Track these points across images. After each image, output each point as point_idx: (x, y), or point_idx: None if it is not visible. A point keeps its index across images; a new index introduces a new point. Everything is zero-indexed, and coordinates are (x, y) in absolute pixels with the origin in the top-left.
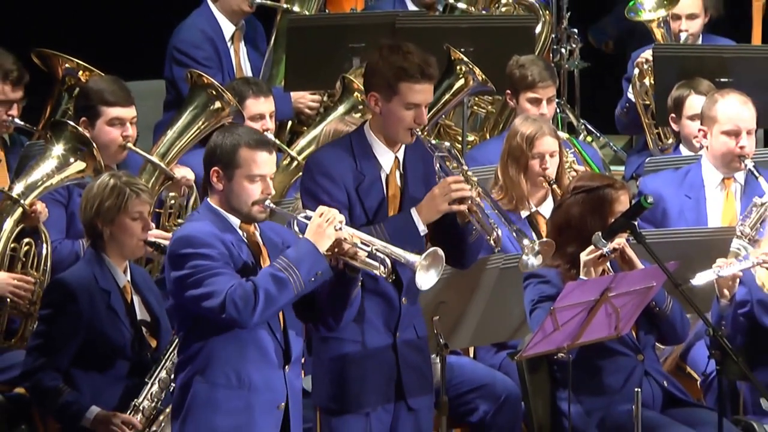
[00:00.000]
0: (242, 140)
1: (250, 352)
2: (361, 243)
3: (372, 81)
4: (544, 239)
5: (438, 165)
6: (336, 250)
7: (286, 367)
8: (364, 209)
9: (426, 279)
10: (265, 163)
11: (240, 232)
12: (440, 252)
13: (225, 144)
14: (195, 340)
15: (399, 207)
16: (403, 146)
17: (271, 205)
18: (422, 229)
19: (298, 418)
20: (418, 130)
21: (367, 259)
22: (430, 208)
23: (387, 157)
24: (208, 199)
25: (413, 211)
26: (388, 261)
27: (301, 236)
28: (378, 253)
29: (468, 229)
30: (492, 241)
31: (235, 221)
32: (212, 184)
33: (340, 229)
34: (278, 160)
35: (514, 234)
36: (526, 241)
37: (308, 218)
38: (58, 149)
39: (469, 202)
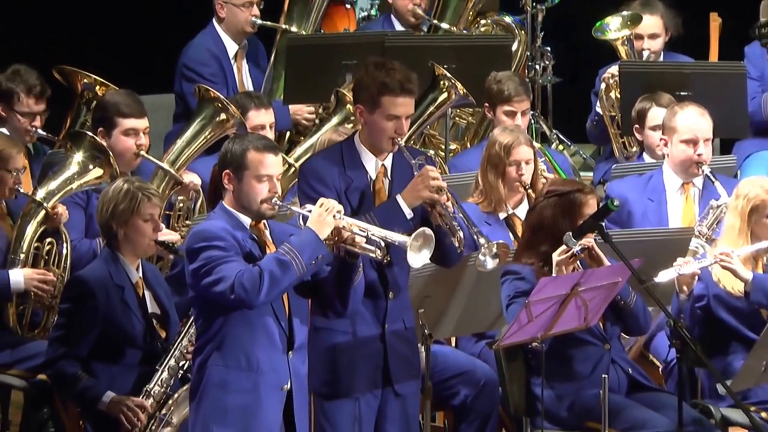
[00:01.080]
0: (251, 145)
1: (259, 337)
2: (358, 230)
3: (358, 94)
4: (501, 241)
5: (417, 171)
6: (336, 237)
7: (290, 352)
8: (353, 210)
9: (418, 258)
10: (271, 164)
11: (249, 230)
12: (429, 231)
13: (235, 149)
14: (211, 327)
15: None
16: (391, 155)
17: (279, 202)
18: (408, 212)
19: (301, 400)
20: (400, 139)
21: (365, 244)
22: (412, 194)
23: (373, 165)
24: (223, 201)
25: (398, 197)
26: (383, 245)
27: (305, 228)
28: (374, 238)
29: (443, 231)
30: (456, 242)
31: (246, 220)
32: (224, 185)
33: (339, 218)
34: None
35: (474, 236)
36: (482, 241)
37: (311, 212)
38: (78, 157)
39: (443, 199)
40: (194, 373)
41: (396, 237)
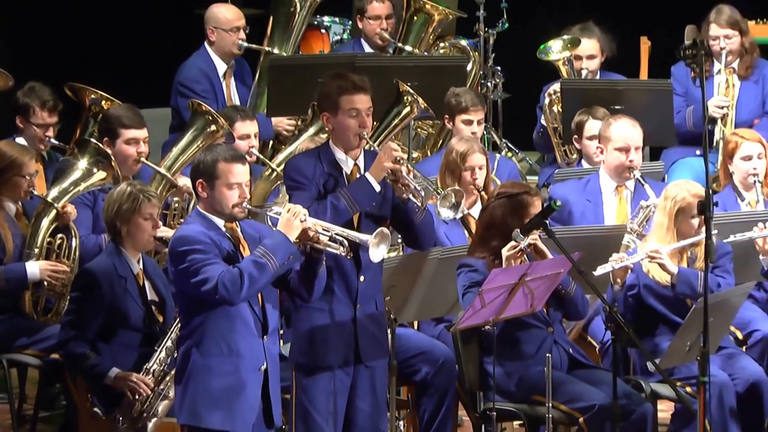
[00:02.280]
0: (220, 156)
1: (237, 325)
2: (322, 230)
3: (322, 104)
4: (456, 188)
5: None
6: (303, 237)
7: (265, 336)
8: (326, 191)
9: (377, 253)
10: (240, 172)
11: (223, 230)
12: (386, 231)
13: (206, 160)
14: (193, 319)
15: None
16: (362, 154)
17: (248, 206)
18: (376, 186)
19: (276, 377)
20: (365, 133)
21: (328, 242)
22: (377, 168)
23: (347, 163)
24: (198, 207)
25: (367, 174)
26: (346, 242)
27: (274, 228)
28: (337, 237)
29: (411, 209)
30: (419, 202)
31: (219, 222)
32: (198, 193)
33: (305, 220)
34: (261, 172)
35: (436, 195)
36: (442, 194)
37: (278, 214)
38: (85, 163)
39: (403, 170)
40: (179, 361)
41: (357, 236)
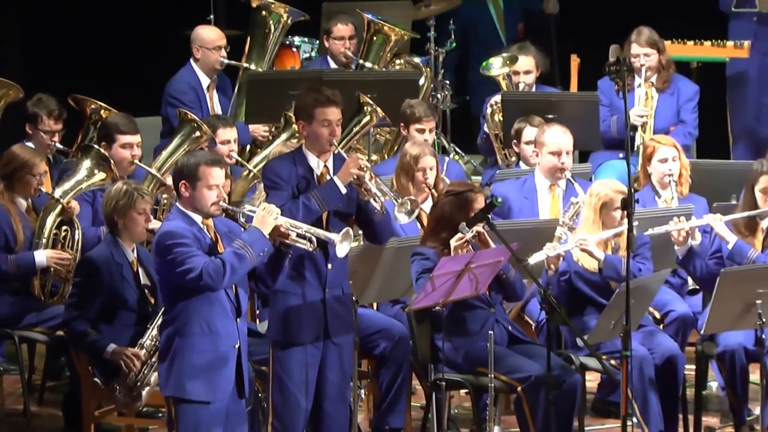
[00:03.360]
0: (202, 160)
1: (216, 309)
2: (292, 227)
3: (298, 114)
4: (412, 197)
5: None
6: (275, 233)
7: (238, 318)
8: (299, 192)
9: (342, 249)
10: (218, 175)
11: (201, 225)
12: (350, 231)
13: (189, 164)
14: (177, 305)
15: None
16: (331, 158)
17: (224, 204)
18: (342, 188)
19: (245, 354)
20: (335, 141)
21: (297, 238)
22: (344, 173)
23: (317, 165)
24: (177, 204)
25: (335, 177)
26: (313, 239)
27: (248, 225)
28: (306, 234)
29: (371, 210)
30: (378, 207)
31: (197, 218)
32: (180, 193)
33: (277, 218)
34: (240, 172)
35: (394, 200)
36: (400, 201)
37: (251, 211)
38: (86, 164)
39: (366, 177)
40: (163, 342)
41: (324, 234)
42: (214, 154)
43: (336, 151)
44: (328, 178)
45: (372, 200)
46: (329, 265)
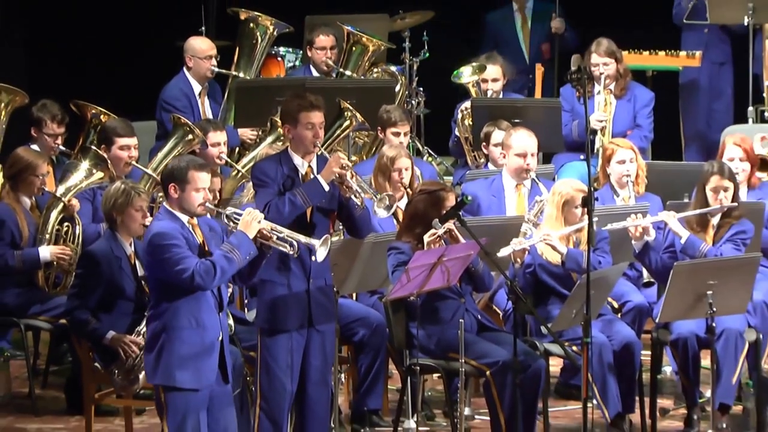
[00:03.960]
0: (190, 165)
1: (202, 304)
2: (275, 231)
3: (284, 118)
4: (390, 193)
5: None
6: (259, 236)
7: (220, 313)
8: (285, 189)
9: (321, 254)
10: (205, 179)
11: (188, 225)
12: (330, 238)
13: (179, 167)
14: (163, 301)
15: None
16: (315, 158)
17: (210, 205)
18: (325, 186)
19: (227, 344)
20: (318, 143)
21: (279, 242)
22: (327, 171)
23: (302, 166)
24: (165, 204)
25: (318, 176)
26: (295, 243)
27: (232, 225)
28: (287, 238)
29: (352, 206)
30: (359, 203)
31: (184, 218)
32: (169, 194)
33: (261, 222)
34: (229, 172)
35: (373, 197)
36: (379, 197)
37: (237, 214)
38: (85, 165)
39: (347, 175)
40: (150, 334)
41: (306, 240)
42: (202, 160)
43: (319, 152)
44: (311, 176)
45: (353, 197)
46: (313, 258)
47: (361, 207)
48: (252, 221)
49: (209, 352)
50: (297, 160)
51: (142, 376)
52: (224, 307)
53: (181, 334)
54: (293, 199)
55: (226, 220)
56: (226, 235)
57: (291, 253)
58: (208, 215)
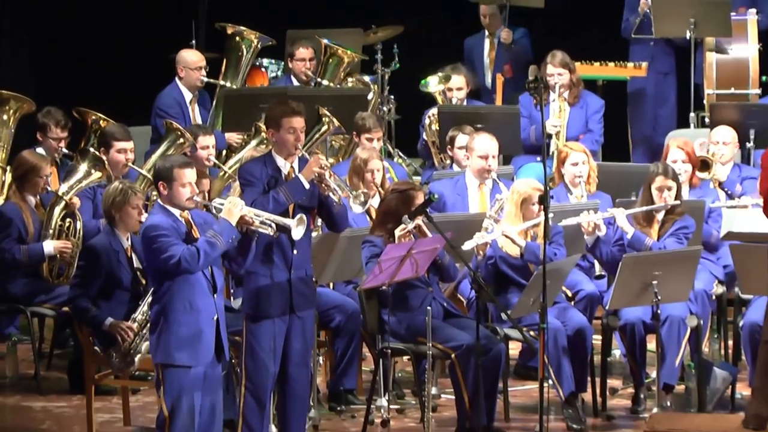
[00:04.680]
0: (175, 164)
1: (195, 288)
2: (255, 216)
3: (268, 123)
4: (364, 190)
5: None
6: (241, 221)
7: (215, 295)
8: (269, 188)
9: (297, 232)
10: (190, 175)
11: (179, 218)
12: (304, 217)
13: (165, 167)
14: (161, 287)
15: None
16: (296, 160)
17: (197, 198)
18: (306, 184)
19: (224, 325)
20: (299, 145)
21: (260, 225)
22: (307, 171)
23: (285, 167)
24: (159, 201)
25: (299, 175)
26: (273, 225)
27: (219, 216)
28: (267, 221)
29: (330, 202)
30: (337, 199)
31: (176, 212)
32: (160, 191)
33: (242, 209)
34: (217, 173)
35: (349, 193)
36: (354, 193)
37: (221, 204)
38: (84, 166)
39: (326, 175)
40: (153, 317)
41: (282, 220)
42: (185, 158)
43: (300, 154)
44: (292, 175)
45: (331, 194)
46: (295, 251)
47: (338, 203)
48: (233, 208)
49: (204, 332)
50: (280, 161)
51: (137, 358)
52: (218, 290)
53: (177, 316)
54: (276, 196)
55: (214, 211)
56: None
57: (271, 234)
58: (198, 208)
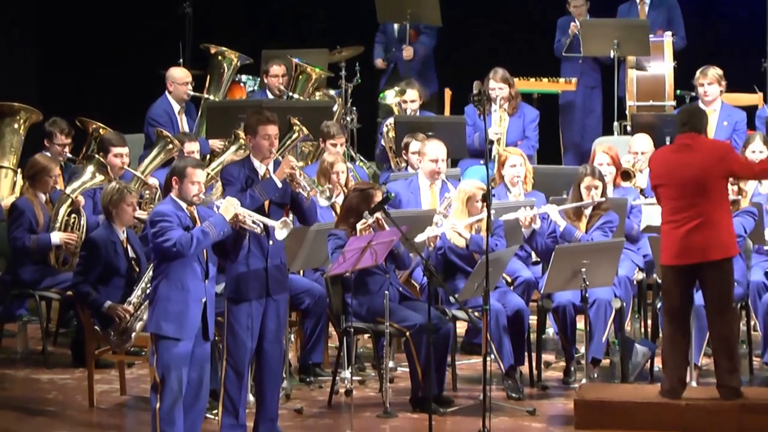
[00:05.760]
0: (189, 164)
1: (188, 271)
2: (247, 215)
3: (246, 130)
4: (330, 185)
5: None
6: (234, 219)
7: (206, 280)
8: (246, 186)
9: (281, 233)
10: (200, 174)
11: (185, 210)
12: (288, 220)
13: (180, 165)
14: (161, 266)
15: None
16: (271, 163)
17: (203, 196)
18: (278, 183)
19: (212, 308)
20: (273, 150)
21: (251, 223)
22: (280, 171)
23: (261, 168)
24: (171, 194)
25: (272, 174)
26: (261, 224)
27: (217, 211)
28: (256, 221)
29: (301, 198)
30: (306, 195)
31: (183, 205)
32: (173, 185)
33: (236, 208)
34: None
35: (317, 191)
36: (321, 189)
37: (221, 202)
38: (90, 169)
39: (297, 174)
40: (152, 292)
41: (269, 222)
42: (199, 160)
43: (274, 158)
44: (267, 176)
45: (301, 191)
46: (270, 242)
47: (308, 199)
48: (230, 206)
49: (191, 310)
50: (257, 164)
51: (132, 336)
52: (210, 277)
53: (169, 293)
54: (253, 193)
55: (215, 208)
56: None
57: (259, 232)
58: (202, 204)
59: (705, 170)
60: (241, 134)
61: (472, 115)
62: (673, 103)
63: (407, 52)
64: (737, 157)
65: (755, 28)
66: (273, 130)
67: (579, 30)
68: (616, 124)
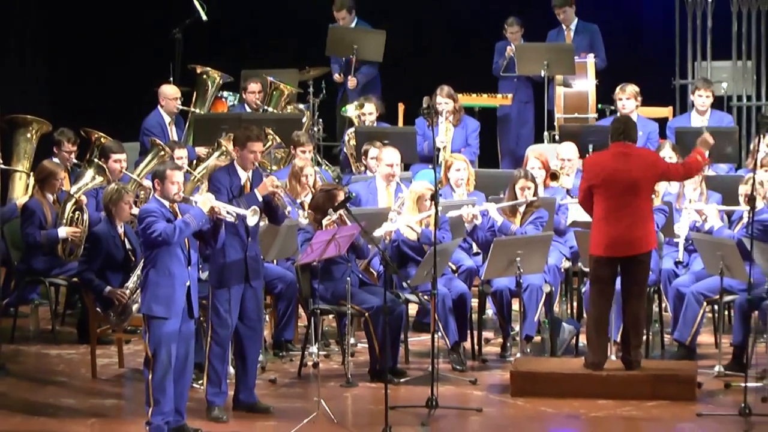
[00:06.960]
0: (167, 167)
1: (173, 259)
2: (222, 207)
3: (236, 142)
4: (256, 207)
5: (265, 178)
6: (211, 211)
7: (189, 267)
8: (234, 196)
9: (252, 220)
10: (178, 176)
11: (168, 208)
12: (257, 208)
13: (161, 170)
14: (151, 254)
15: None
16: (251, 172)
17: (182, 194)
18: (260, 198)
19: (195, 290)
20: (256, 163)
21: (225, 213)
22: (263, 188)
23: (244, 175)
24: (154, 194)
25: (256, 190)
26: (234, 214)
27: (196, 205)
28: (231, 212)
29: (280, 212)
30: (283, 209)
31: (166, 203)
32: (155, 187)
33: (212, 202)
34: (188, 178)
35: (296, 205)
36: (251, 209)
37: (199, 198)
38: (90, 173)
39: (280, 192)
40: (143, 278)
41: (242, 211)
42: (176, 164)
43: (254, 167)
44: (248, 184)
45: (280, 206)
46: (249, 239)
47: (285, 213)
48: (207, 200)
49: (176, 293)
50: (240, 171)
51: (129, 317)
52: (192, 264)
53: (157, 278)
54: (238, 204)
55: (193, 204)
56: None
57: (233, 220)
58: (182, 202)
59: (640, 174)
60: (224, 142)
61: (422, 126)
62: (595, 115)
63: (351, 83)
64: (665, 162)
65: (667, 51)
66: (259, 147)
67: (514, 52)
68: (546, 133)
